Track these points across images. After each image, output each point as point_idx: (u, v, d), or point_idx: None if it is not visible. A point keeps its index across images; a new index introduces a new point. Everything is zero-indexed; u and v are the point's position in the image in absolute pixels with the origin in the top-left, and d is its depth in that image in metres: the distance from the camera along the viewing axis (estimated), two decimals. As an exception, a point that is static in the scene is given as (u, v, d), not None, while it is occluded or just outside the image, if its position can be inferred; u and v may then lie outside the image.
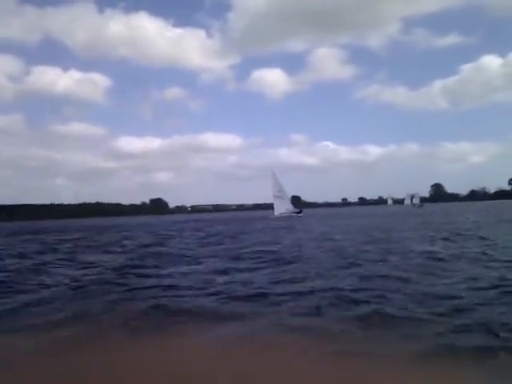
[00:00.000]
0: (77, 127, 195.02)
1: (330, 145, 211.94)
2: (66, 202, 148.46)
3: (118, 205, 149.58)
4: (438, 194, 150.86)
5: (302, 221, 36.20)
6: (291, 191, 50.98)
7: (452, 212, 43.58)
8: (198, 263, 10.07)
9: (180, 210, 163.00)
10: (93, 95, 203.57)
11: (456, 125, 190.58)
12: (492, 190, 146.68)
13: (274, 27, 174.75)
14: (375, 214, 48.49)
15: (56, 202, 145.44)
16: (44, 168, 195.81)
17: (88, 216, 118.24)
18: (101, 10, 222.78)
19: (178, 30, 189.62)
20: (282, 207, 47.51)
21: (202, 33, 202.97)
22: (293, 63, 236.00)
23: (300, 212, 49.02)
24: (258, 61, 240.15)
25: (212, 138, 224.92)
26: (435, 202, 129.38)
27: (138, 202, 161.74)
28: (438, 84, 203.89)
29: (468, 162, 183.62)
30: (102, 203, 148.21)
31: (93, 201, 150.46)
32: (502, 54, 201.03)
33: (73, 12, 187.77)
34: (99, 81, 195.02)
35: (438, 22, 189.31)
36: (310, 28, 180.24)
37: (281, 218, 42.75)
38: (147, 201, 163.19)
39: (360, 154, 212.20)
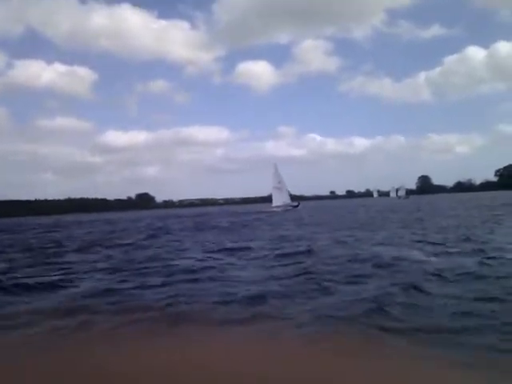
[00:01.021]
0: (62, 121, 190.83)
1: (317, 137, 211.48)
2: (50, 197, 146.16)
3: (104, 200, 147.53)
4: (425, 185, 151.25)
5: (286, 215, 35.32)
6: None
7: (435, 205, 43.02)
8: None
9: (167, 204, 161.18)
10: (77, 88, 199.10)
11: (441, 116, 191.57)
12: (478, 181, 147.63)
13: (259, 19, 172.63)
14: (356, 207, 48.26)
15: (41, 198, 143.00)
16: (28, 163, 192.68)
17: (73, 212, 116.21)
18: (82, 1, 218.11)
19: (162, 22, 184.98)
20: (280, 199, 47.58)
21: (186, 25, 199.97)
22: (278, 55, 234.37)
23: (298, 205, 49.10)
24: (244, 53, 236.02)
25: (198, 132, 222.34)
26: (422, 193, 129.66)
27: (124, 196, 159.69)
28: (422, 75, 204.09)
29: (454, 154, 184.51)
30: (87, 199, 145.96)
31: (78, 196, 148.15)
32: (486, 46, 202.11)
33: (54, 2, 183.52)
34: (83, 74, 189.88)
35: (421, 14, 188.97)
36: (294, 20, 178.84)
37: (268, 212, 41.41)
38: (133, 196, 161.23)
39: (347, 145, 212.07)
